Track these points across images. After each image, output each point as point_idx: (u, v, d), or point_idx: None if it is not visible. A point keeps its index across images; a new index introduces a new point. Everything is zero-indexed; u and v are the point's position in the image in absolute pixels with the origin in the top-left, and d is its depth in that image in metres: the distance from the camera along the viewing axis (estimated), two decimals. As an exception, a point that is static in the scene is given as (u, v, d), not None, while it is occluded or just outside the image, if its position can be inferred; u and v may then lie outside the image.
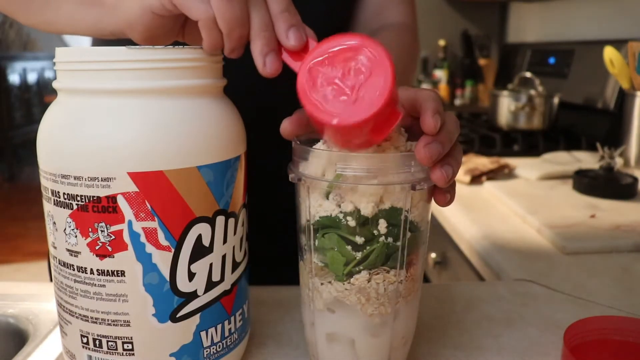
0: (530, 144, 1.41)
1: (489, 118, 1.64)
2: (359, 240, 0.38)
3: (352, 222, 0.37)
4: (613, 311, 0.56)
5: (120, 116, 0.36)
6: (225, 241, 0.40)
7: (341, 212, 0.38)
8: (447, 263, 1.06)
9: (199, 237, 0.38)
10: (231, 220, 0.41)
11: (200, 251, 0.39)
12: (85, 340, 0.39)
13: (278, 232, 0.64)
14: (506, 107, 1.52)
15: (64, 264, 0.38)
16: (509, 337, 0.50)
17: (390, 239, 0.38)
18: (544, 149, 1.35)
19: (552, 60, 1.70)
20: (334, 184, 0.37)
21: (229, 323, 0.42)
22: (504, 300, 0.58)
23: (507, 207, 0.97)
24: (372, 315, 0.40)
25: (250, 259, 0.46)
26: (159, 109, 0.37)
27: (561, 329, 0.52)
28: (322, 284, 0.40)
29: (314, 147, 0.40)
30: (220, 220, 0.39)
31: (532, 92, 1.51)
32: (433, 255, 1.12)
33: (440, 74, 2.27)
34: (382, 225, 0.37)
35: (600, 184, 1.00)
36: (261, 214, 0.57)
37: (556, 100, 1.51)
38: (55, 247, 0.39)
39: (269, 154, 0.59)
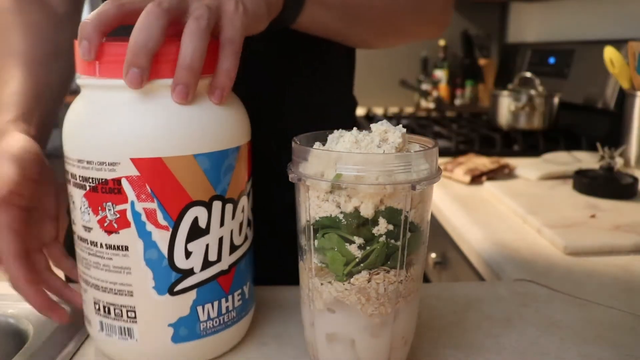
0: (530, 144, 1.41)
1: (489, 118, 1.64)
2: (359, 240, 0.38)
3: (352, 223, 0.37)
4: (613, 311, 0.56)
5: (125, 108, 0.39)
6: (222, 224, 0.43)
7: (341, 212, 0.38)
8: (447, 263, 1.06)
9: (196, 219, 0.41)
10: (229, 206, 0.43)
11: (196, 232, 0.41)
12: (97, 307, 0.43)
13: (277, 232, 0.64)
14: (506, 107, 1.52)
15: (81, 239, 0.43)
16: (509, 337, 0.50)
17: (390, 239, 0.38)
18: (544, 149, 1.35)
19: (552, 60, 1.70)
20: (333, 184, 0.37)
21: (227, 301, 0.45)
22: (504, 300, 0.58)
23: (507, 207, 0.97)
24: (372, 316, 0.40)
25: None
26: (160, 101, 0.40)
27: (561, 329, 0.52)
28: (322, 284, 0.40)
29: (313, 147, 0.40)
30: (217, 205, 0.42)
31: (532, 92, 1.51)
32: (433, 255, 1.12)
33: (440, 74, 2.27)
34: (382, 226, 0.37)
35: (600, 184, 1.00)
36: (260, 214, 0.57)
37: (556, 100, 1.51)
38: (74, 224, 0.43)
39: (269, 154, 0.59)
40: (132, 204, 0.40)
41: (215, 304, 0.44)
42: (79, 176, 0.41)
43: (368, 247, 0.38)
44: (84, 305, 0.46)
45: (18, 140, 0.48)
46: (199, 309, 0.43)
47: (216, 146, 0.41)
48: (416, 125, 1.66)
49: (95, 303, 0.43)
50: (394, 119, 1.81)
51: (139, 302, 0.42)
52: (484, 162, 1.16)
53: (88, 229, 0.42)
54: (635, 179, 1.00)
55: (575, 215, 0.89)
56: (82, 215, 0.42)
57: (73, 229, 0.44)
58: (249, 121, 0.46)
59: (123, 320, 0.42)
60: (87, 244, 0.42)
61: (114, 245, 0.41)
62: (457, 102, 2.26)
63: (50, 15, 0.64)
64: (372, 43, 0.65)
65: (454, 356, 0.47)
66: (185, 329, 0.43)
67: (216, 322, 0.44)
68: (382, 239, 0.38)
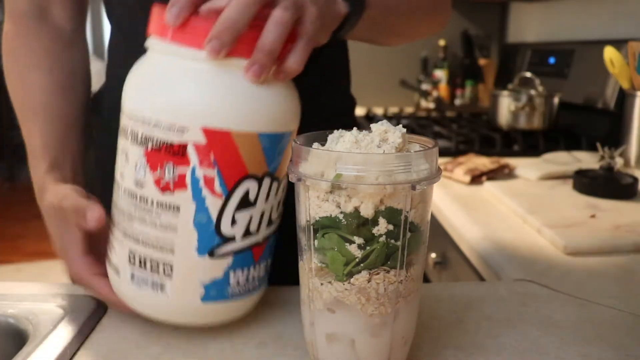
0: (530, 144, 1.41)
1: (489, 118, 1.64)
2: (359, 240, 0.38)
3: (352, 223, 0.37)
4: (613, 311, 0.56)
5: (203, 78, 0.42)
6: (267, 200, 0.46)
7: (341, 212, 0.38)
8: (447, 263, 1.06)
9: (247, 191, 0.44)
10: (275, 184, 0.46)
11: (245, 203, 0.44)
12: (131, 258, 0.45)
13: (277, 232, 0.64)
14: (506, 107, 1.52)
15: (129, 193, 0.45)
16: (509, 337, 0.50)
17: (390, 239, 0.38)
18: (544, 149, 1.35)
19: (552, 60, 1.70)
20: (333, 184, 0.37)
21: (254, 270, 0.48)
22: (504, 300, 0.58)
23: (507, 207, 0.97)
24: (372, 316, 0.40)
25: None
26: (235, 78, 0.42)
27: (561, 329, 0.52)
28: (322, 284, 0.40)
29: (313, 147, 0.40)
30: (266, 181, 0.45)
31: (532, 92, 1.51)
32: (433, 255, 1.12)
33: (440, 74, 2.27)
34: (382, 226, 0.37)
35: (600, 184, 1.00)
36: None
37: (556, 100, 1.51)
38: (122, 178, 0.45)
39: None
40: (194, 169, 0.42)
41: (245, 270, 0.47)
42: (141, 134, 0.43)
43: (368, 247, 0.38)
44: (113, 254, 0.48)
45: (58, 193, 0.52)
46: (231, 273, 0.46)
47: (278, 128, 0.44)
48: (416, 125, 1.66)
49: (130, 254, 0.45)
50: (394, 119, 1.81)
51: (178, 259, 0.44)
52: (484, 162, 1.16)
53: (140, 184, 0.43)
54: (635, 179, 1.00)
55: (575, 215, 0.89)
56: (136, 172, 0.44)
57: (118, 181, 0.46)
58: (300, 109, 0.48)
59: (158, 275, 0.45)
60: (136, 199, 0.44)
61: (165, 204, 0.43)
62: (457, 102, 2.26)
63: (60, 36, 0.64)
64: (389, 44, 0.67)
65: (455, 356, 0.47)
66: (215, 290, 0.46)
67: (243, 287, 0.47)
68: (382, 239, 0.38)
